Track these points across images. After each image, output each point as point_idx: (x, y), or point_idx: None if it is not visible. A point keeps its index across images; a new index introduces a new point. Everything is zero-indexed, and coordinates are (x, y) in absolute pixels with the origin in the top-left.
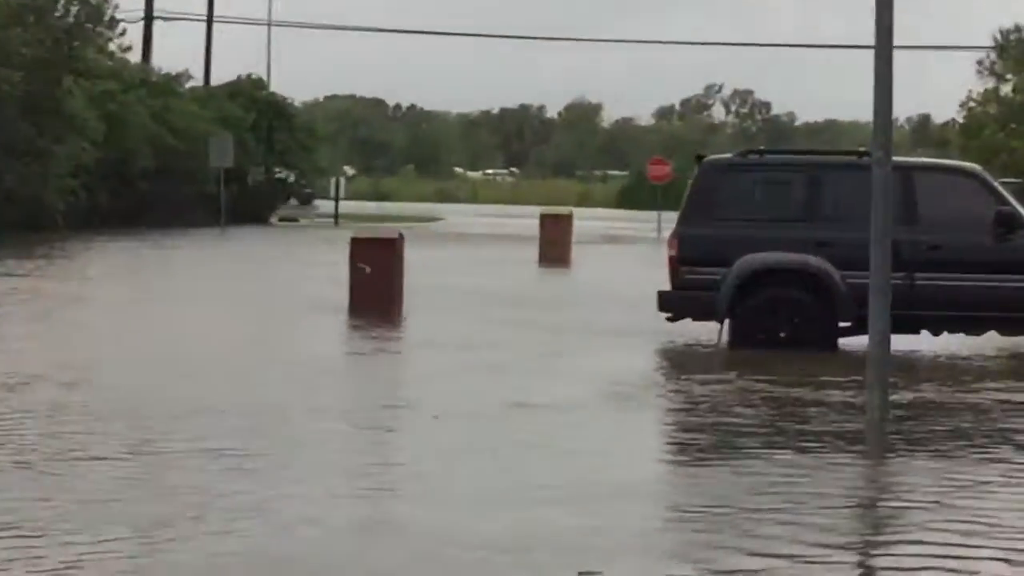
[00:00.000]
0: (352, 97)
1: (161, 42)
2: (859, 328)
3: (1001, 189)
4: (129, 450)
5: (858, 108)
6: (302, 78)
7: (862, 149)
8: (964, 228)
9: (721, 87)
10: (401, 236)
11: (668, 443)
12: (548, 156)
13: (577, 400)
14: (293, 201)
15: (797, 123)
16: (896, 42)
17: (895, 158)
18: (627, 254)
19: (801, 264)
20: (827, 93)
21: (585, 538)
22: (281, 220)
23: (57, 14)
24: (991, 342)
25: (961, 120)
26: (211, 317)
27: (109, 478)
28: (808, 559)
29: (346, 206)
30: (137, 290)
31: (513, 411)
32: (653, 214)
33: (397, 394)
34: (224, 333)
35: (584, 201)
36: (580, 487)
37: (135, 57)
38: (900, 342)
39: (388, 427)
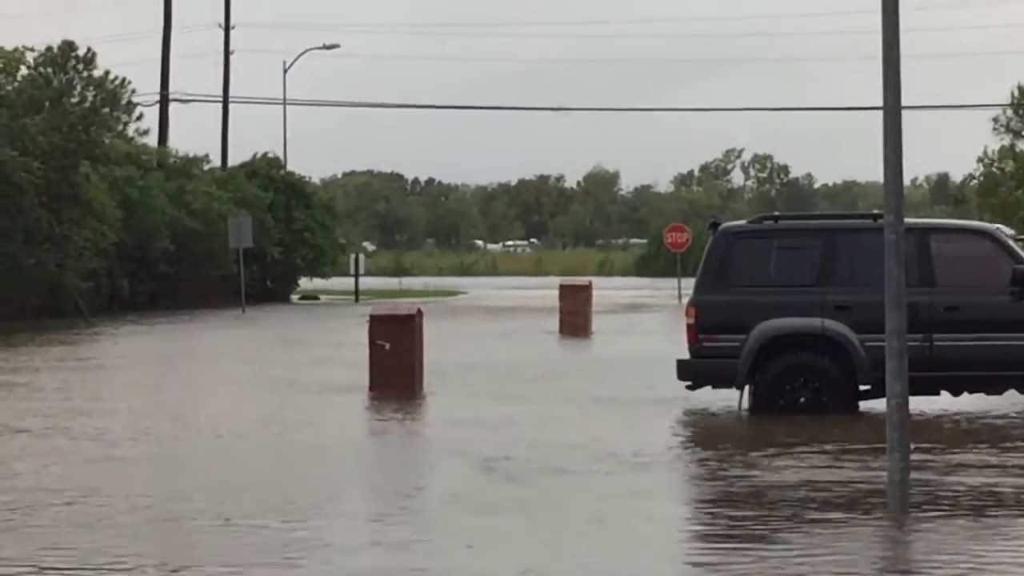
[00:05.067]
0: (370, 173)
1: (177, 124)
2: (879, 391)
3: (1017, 248)
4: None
5: (876, 169)
6: (319, 155)
7: (876, 212)
8: (981, 288)
9: (740, 152)
10: (420, 312)
11: (694, 521)
12: (567, 226)
13: (600, 479)
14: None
15: (816, 185)
16: (914, 102)
17: (910, 220)
18: (647, 322)
19: (819, 329)
20: (845, 155)
21: None
22: (302, 299)
23: (74, 99)
24: (1011, 401)
25: (978, 177)
26: (231, 404)
27: None
28: None
29: (367, 282)
30: (156, 377)
31: (532, 492)
32: (673, 281)
33: (409, 482)
34: (243, 420)
35: (604, 270)
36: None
37: (152, 140)
38: (920, 403)
39: (391, 519)
